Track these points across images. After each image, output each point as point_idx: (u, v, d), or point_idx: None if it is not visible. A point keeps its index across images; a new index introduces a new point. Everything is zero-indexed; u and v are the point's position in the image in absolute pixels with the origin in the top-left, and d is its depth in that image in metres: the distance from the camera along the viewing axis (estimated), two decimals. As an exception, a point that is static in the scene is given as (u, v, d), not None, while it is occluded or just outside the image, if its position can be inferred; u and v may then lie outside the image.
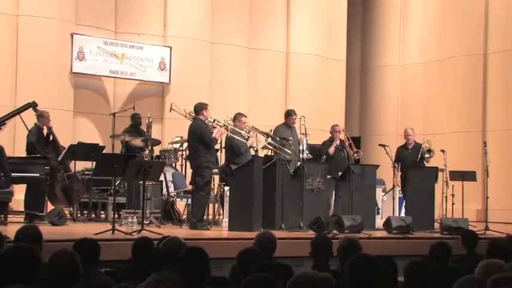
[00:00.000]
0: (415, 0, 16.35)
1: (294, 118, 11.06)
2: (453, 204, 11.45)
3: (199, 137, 9.57)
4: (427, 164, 11.51)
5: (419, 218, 10.53)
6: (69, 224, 9.70)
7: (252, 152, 10.39)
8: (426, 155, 11.40)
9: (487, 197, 11.27)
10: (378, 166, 11.63)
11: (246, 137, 10.26)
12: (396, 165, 11.52)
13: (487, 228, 10.54)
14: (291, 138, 10.70)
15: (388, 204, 11.85)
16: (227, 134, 10.13)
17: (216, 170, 10.41)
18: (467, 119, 14.67)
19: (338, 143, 11.40)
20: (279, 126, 11.11)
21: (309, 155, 10.41)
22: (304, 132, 10.61)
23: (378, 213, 11.56)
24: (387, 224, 10.19)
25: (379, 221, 11.09)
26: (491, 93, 14.66)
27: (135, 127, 11.74)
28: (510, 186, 13.85)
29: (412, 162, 11.46)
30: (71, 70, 12.75)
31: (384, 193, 12.21)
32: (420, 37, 16.16)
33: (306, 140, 10.57)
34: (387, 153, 11.41)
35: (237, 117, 10.33)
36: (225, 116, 10.33)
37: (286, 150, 10.42)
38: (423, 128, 15.42)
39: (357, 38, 17.23)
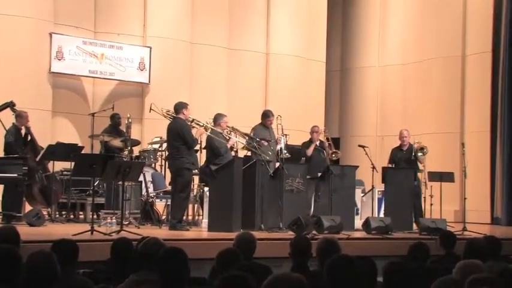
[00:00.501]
0: (395, 2, 16.42)
1: (271, 119, 11.03)
2: (431, 204, 11.52)
3: (181, 136, 9.50)
4: (423, 164, 11.49)
5: (398, 218, 10.57)
6: (48, 224, 9.62)
7: (233, 153, 10.37)
8: (419, 153, 11.42)
9: (465, 198, 11.34)
10: (357, 167, 11.68)
11: (227, 138, 10.25)
12: (390, 166, 11.55)
13: (464, 229, 10.60)
14: (269, 139, 10.69)
15: (367, 205, 11.90)
16: (208, 135, 10.10)
17: (196, 171, 10.39)
18: (445, 120, 14.76)
19: (318, 143, 11.41)
20: (257, 127, 11.08)
21: (287, 154, 10.42)
22: (282, 133, 10.62)
23: (357, 213, 11.61)
24: (366, 224, 10.23)
25: (358, 222, 11.13)
26: (469, 94, 14.76)
27: (115, 127, 11.66)
28: (487, 187, 13.97)
29: (406, 162, 11.49)
30: (50, 70, 12.62)
31: (363, 194, 12.25)
32: (399, 38, 16.24)
33: (286, 140, 10.59)
34: (366, 154, 11.45)
35: (219, 118, 10.31)
36: (206, 118, 10.30)
37: (266, 151, 10.42)
38: (402, 128, 15.46)
39: (336, 39, 17.28)
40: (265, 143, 10.52)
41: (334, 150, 11.47)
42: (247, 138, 10.57)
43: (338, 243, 5.10)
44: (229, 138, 10.29)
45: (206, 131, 10.06)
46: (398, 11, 16.28)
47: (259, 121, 11.21)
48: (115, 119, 11.74)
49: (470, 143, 13.21)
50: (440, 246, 6.74)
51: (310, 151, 11.27)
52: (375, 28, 16.59)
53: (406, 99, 15.89)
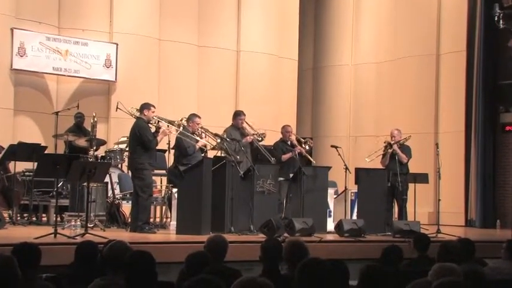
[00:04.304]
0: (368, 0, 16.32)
1: (242, 118, 10.98)
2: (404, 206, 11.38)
3: (138, 136, 9.47)
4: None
5: (371, 221, 10.44)
6: (8, 227, 9.36)
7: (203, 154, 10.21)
8: (388, 149, 11.21)
9: (439, 200, 11.28)
10: (329, 168, 11.53)
11: (197, 139, 10.07)
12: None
13: (438, 231, 10.52)
14: (239, 140, 10.58)
15: (340, 207, 11.72)
16: (176, 135, 9.92)
17: (163, 172, 10.22)
18: (420, 120, 14.66)
19: (292, 152, 11.18)
20: (228, 129, 10.96)
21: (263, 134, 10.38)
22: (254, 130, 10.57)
23: (330, 215, 11.46)
24: (339, 227, 10.14)
25: (331, 224, 10.96)
26: (443, 93, 14.73)
27: (79, 126, 11.60)
28: (462, 188, 13.89)
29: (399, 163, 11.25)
30: (11, 67, 12.34)
31: (335, 195, 12.10)
32: (373, 36, 16.17)
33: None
34: (339, 154, 11.28)
35: (191, 117, 10.29)
36: (176, 116, 10.19)
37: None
38: (375, 129, 15.39)
39: (309, 36, 17.15)
40: (250, 138, 10.59)
41: (305, 139, 11.25)
42: (218, 138, 10.38)
43: (305, 245, 5.03)
44: (199, 139, 10.11)
45: (171, 133, 9.89)
46: (371, 9, 16.21)
47: (230, 120, 11.10)
48: (80, 118, 11.64)
49: (444, 143, 13.19)
50: (413, 248, 6.80)
51: (286, 157, 11.08)
52: (348, 25, 16.48)
53: (380, 98, 15.80)
